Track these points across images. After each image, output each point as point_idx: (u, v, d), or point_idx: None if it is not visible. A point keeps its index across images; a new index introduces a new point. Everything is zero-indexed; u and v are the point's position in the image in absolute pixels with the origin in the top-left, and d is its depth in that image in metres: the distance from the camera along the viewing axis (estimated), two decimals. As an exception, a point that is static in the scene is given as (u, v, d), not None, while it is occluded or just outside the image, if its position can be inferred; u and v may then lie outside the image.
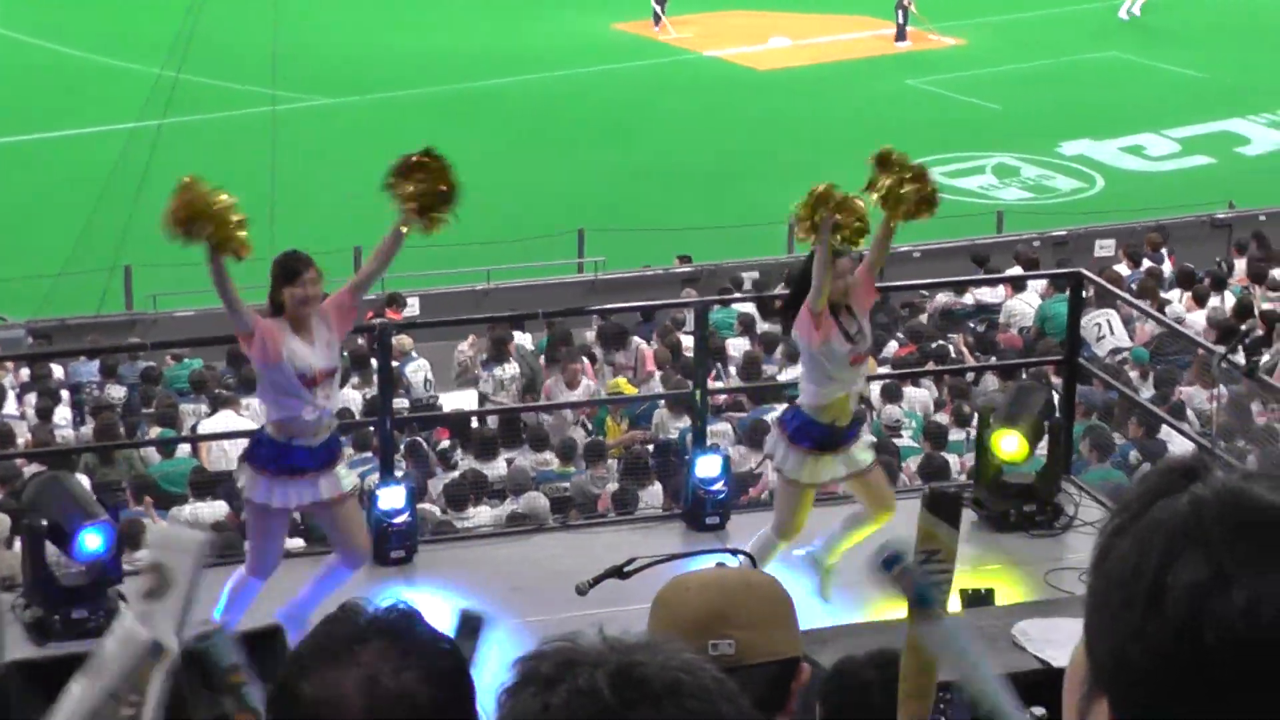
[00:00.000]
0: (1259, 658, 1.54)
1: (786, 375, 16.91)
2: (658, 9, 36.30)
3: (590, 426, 16.31)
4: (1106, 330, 17.69)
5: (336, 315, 8.96)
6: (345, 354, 16.60)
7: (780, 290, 20.40)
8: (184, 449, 15.29)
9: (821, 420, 9.37)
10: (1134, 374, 16.14)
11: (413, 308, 20.34)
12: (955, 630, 2.98)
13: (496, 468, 14.55)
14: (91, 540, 9.43)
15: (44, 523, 9.45)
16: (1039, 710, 5.11)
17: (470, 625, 2.72)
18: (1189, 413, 14.50)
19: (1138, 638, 1.59)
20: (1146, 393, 15.14)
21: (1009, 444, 10.82)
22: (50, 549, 9.63)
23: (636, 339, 18.01)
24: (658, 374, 16.90)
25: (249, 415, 16.31)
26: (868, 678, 4.76)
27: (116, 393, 17.22)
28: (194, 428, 15.87)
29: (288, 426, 8.81)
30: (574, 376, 16.28)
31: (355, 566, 9.20)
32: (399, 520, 10.55)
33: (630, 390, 16.68)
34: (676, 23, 36.40)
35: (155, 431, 15.57)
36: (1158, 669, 1.58)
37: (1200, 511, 1.61)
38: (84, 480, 13.12)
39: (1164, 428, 13.64)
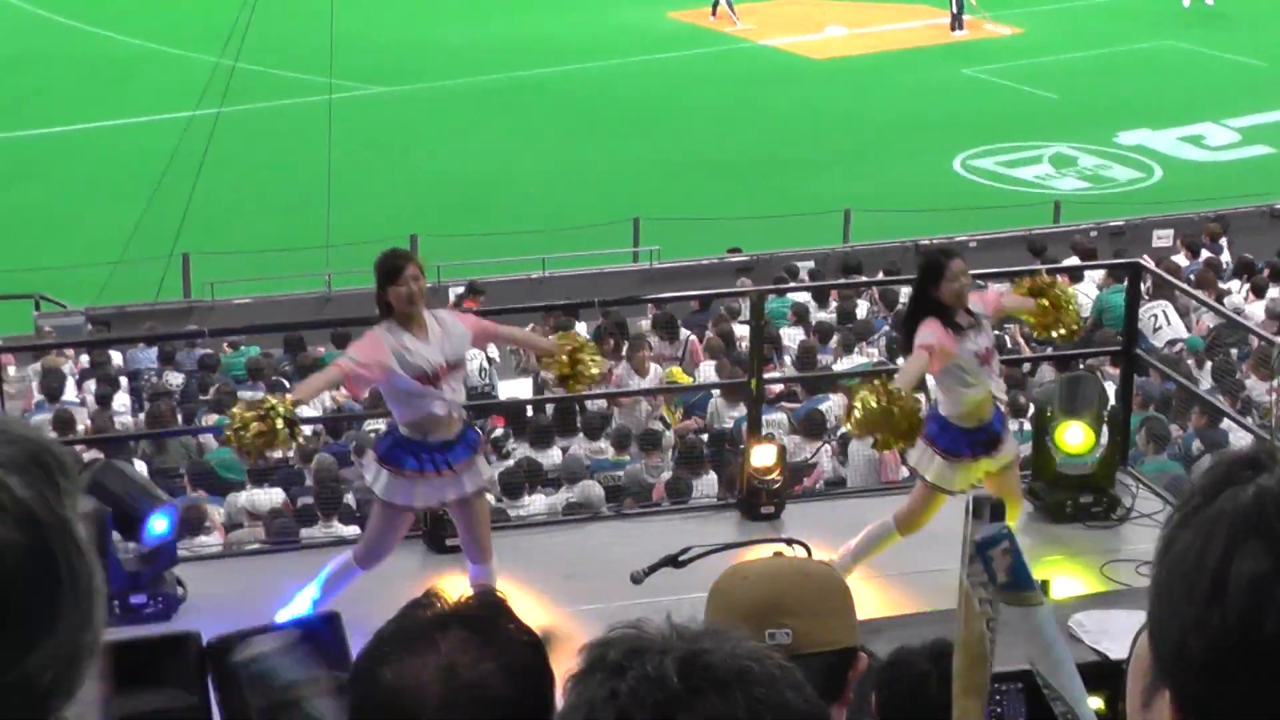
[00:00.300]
0: None
1: (842, 365, 16.89)
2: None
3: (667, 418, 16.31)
4: (1163, 321, 17.59)
5: (476, 327, 9.04)
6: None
7: (838, 280, 20.39)
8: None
9: (967, 425, 9.34)
10: (1191, 363, 16.04)
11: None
12: (1047, 619, 2.96)
13: (551, 456, 14.56)
14: (159, 524, 9.49)
15: (107, 508, 9.51)
16: (1095, 702, 5.09)
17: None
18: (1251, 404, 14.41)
19: (1199, 628, 1.59)
20: (1204, 383, 15.05)
21: (1073, 436, 10.76)
22: (114, 534, 9.68)
23: (685, 330, 18.00)
24: (709, 364, 16.88)
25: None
26: (924, 669, 4.76)
27: (174, 379, 17.32)
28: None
29: (421, 424, 8.83)
30: (642, 364, 16.29)
31: (477, 562, 9.23)
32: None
33: (685, 380, 16.67)
34: (729, 14, 36.32)
35: (213, 419, 15.64)
36: (1218, 659, 1.58)
37: (1264, 502, 1.60)
38: (141, 467, 13.22)
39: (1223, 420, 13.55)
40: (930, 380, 9.78)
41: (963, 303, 9.20)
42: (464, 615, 2.44)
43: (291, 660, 3.02)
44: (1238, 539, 1.59)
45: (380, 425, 15.54)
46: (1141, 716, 1.72)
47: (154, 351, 17.91)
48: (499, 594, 2.51)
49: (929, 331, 9.09)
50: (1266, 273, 19.12)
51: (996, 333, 10.63)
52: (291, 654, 3.04)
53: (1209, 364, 15.96)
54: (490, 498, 12.23)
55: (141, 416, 16.05)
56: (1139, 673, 1.73)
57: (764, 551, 4.16)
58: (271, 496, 13.50)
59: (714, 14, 36.11)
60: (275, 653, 3.05)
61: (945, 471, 9.37)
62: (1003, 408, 9.61)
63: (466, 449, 8.89)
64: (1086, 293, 19.14)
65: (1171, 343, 17.17)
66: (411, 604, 2.49)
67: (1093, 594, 9.17)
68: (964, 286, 9.22)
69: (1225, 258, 20.53)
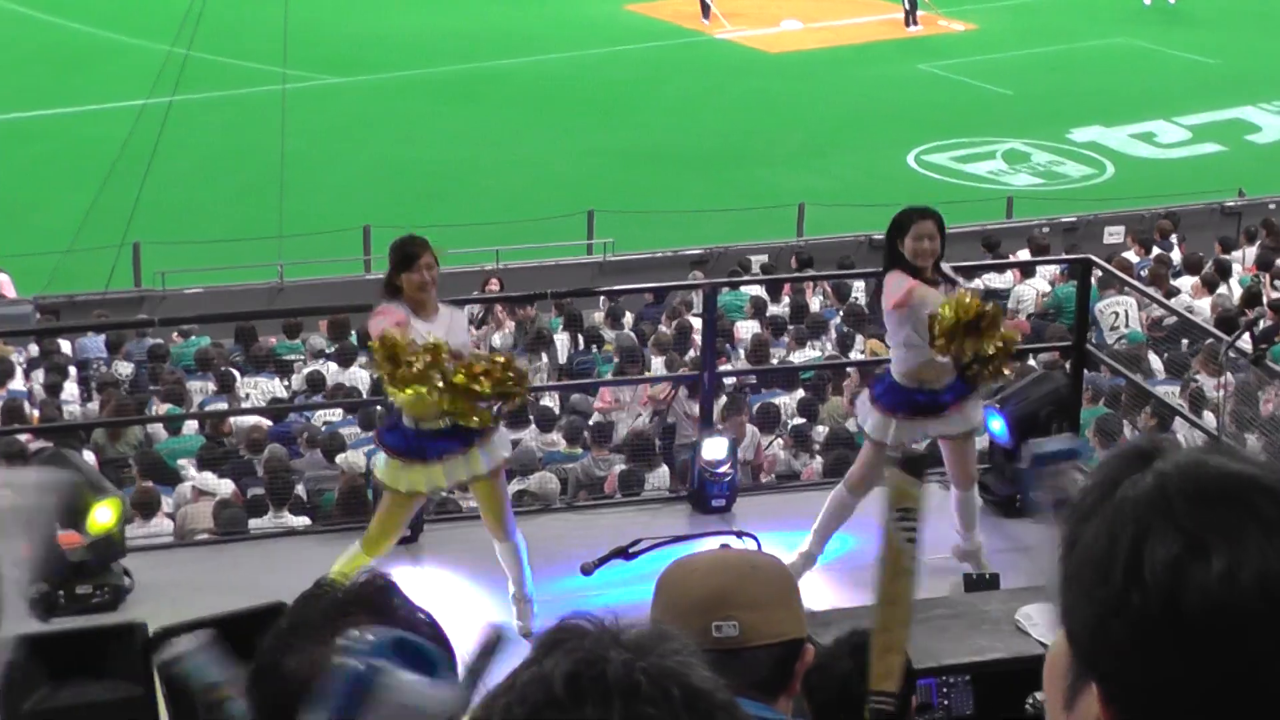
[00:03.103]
0: (1237, 623, 1.57)
1: (795, 358, 16.91)
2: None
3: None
4: (1123, 320, 17.65)
5: (458, 326, 9.05)
6: (354, 332, 16.67)
7: (791, 274, 20.41)
8: (191, 426, 15.30)
9: (908, 384, 9.47)
10: (1151, 355, 16.10)
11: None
12: None
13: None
14: (102, 515, 9.44)
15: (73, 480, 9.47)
16: (1041, 695, 5.11)
17: (489, 645, 2.72)
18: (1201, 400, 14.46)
19: (1118, 611, 1.61)
20: (1155, 379, 15.11)
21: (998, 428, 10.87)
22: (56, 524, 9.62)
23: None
24: (661, 359, 16.88)
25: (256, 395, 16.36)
26: (844, 669, 4.79)
27: (124, 369, 17.24)
28: (201, 405, 15.90)
29: (413, 410, 8.88)
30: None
31: (498, 539, 9.37)
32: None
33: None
34: (691, 3, 36.29)
35: (163, 408, 15.58)
36: (1141, 640, 1.60)
37: (1165, 486, 1.64)
38: (90, 456, 13.15)
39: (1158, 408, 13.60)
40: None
41: (925, 261, 9.28)
42: (362, 598, 2.44)
43: (210, 660, 3.01)
44: (1145, 523, 1.63)
45: (334, 414, 15.55)
46: (1064, 718, 1.73)
47: (103, 340, 17.82)
48: (387, 574, 2.51)
49: (899, 278, 9.25)
50: (1212, 268, 19.22)
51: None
52: (210, 654, 3.03)
53: (1155, 358, 16.02)
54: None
55: (92, 406, 15.97)
56: (1057, 675, 1.75)
57: (713, 544, 4.17)
58: (220, 484, 13.45)
59: (706, 17, 35.85)
60: (194, 652, 3.03)
61: (879, 424, 9.52)
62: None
63: (461, 441, 8.92)
64: (1038, 288, 19.22)
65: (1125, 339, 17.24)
66: (305, 594, 2.49)
67: (1041, 587, 9.19)
68: (928, 249, 9.29)
69: (1176, 254, 20.62)
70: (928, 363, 9.39)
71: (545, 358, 16.96)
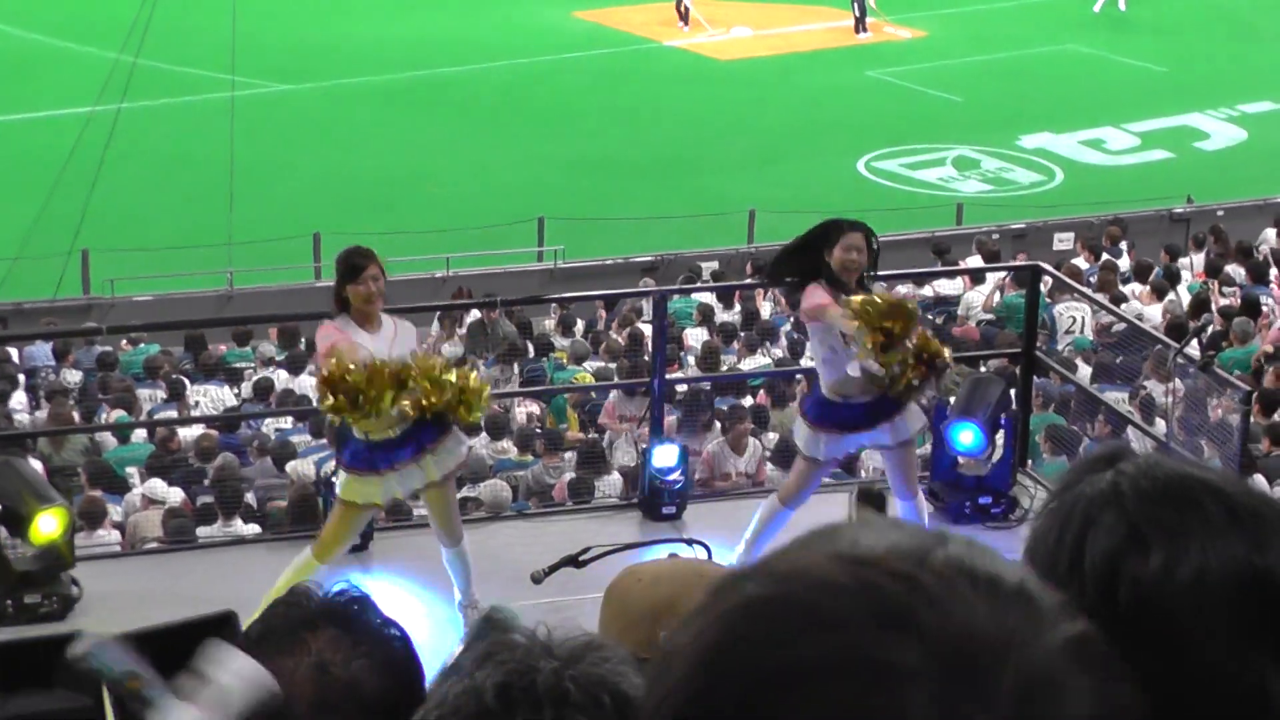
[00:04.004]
0: (1168, 617, 1.59)
1: (745, 365, 16.92)
2: (687, 5, 35.87)
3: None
4: (1078, 326, 17.72)
5: (404, 336, 9.04)
6: (304, 340, 16.62)
7: (742, 281, 20.42)
8: (140, 434, 15.22)
9: (833, 398, 9.49)
10: (1080, 361, 16.16)
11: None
12: None
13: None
14: (46, 524, 9.37)
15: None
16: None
17: (499, 625, 2.70)
18: (1151, 406, 14.52)
19: None
20: (1104, 386, 15.16)
21: (966, 437, 10.84)
22: (2, 532, 9.57)
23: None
24: (612, 365, 16.87)
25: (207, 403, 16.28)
26: None
27: (73, 377, 17.14)
28: (151, 413, 15.82)
29: (362, 424, 8.88)
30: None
31: (444, 546, 9.35)
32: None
33: (589, 381, 16.64)
34: (640, 11, 36.27)
35: (113, 416, 15.50)
36: None
37: (1120, 483, 1.68)
38: (37, 465, 13.06)
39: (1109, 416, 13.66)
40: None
41: (850, 275, 9.30)
42: (333, 612, 2.42)
43: (116, 653, 3.02)
44: (1093, 517, 1.66)
45: (284, 422, 15.50)
46: None
47: (51, 348, 17.71)
48: (361, 589, 2.49)
49: (815, 293, 9.26)
50: (1158, 274, 19.31)
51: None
52: (114, 647, 3.03)
53: (1084, 365, 16.08)
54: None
55: (41, 414, 15.87)
56: None
57: (662, 552, 4.16)
58: (169, 492, 13.37)
59: (685, 23, 35.72)
60: (99, 647, 3.03)
61: (809, 439, 9.54)
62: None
63: (413, 449, 8.91)
64: (983, 292, 19.29)
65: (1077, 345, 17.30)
66: (277, 603, 2.47)
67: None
68: (855, 262, 9.31)
69: (1125, 261, 20.71)
70: (846, 378, 9.41)
71: (516, 369, 16.90)
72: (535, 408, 16.48)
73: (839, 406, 9.50)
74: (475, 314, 18.36)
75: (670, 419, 13.54)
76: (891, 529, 1.14)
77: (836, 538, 1.15)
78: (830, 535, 1.16)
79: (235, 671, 3.00)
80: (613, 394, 15.59)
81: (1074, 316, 17.71)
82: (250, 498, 13.14)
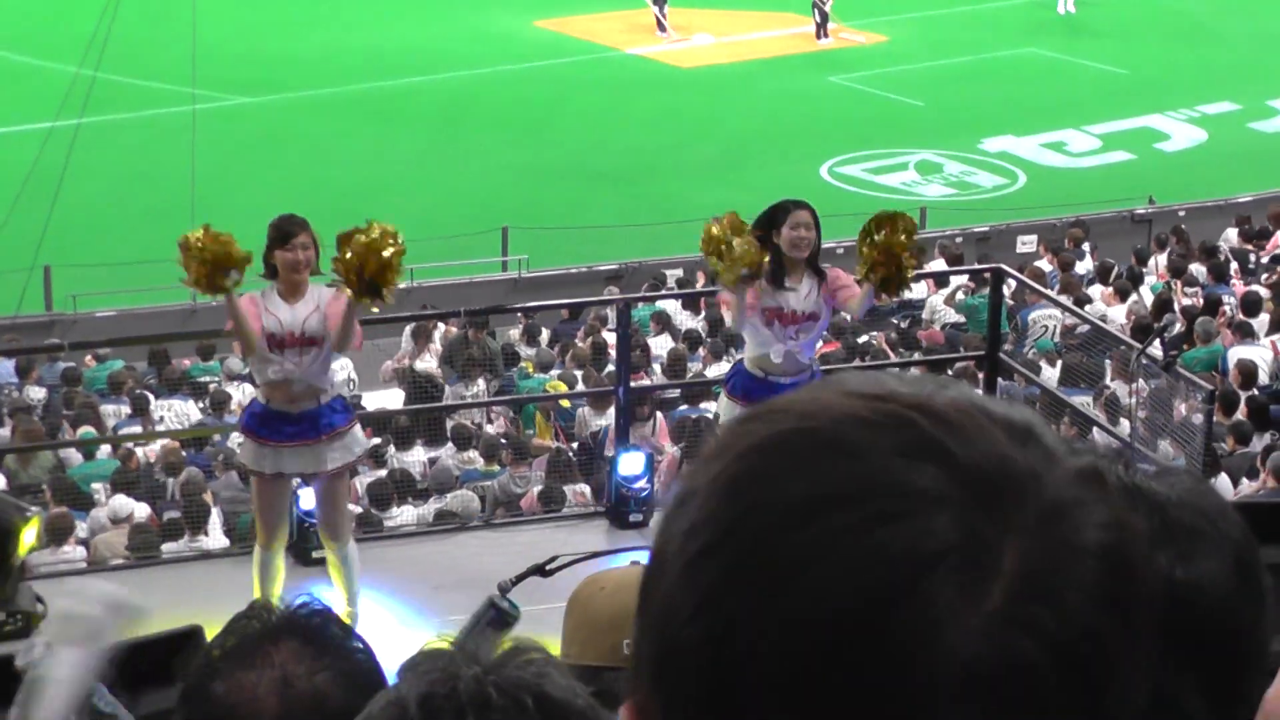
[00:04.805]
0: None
1: (711, 371, 16.92)
2: (658, 14, 35.85)
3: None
4: (1051, 331, 17.76)
5: (333, 308, 8.97)
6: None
7: (704, 289, 20.42)
8: (105, 450, 15.16)
9: (755, 372, 9.47)
10: (1043, 363, 16.22)
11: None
12: None
13: (415, 454, 14.58)
14: (28, 537, 9.33)
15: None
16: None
17: (502, 619, 2.71)
18: (1115, 406, 14.57)
19: None
20: (1069, 389, 15.21)
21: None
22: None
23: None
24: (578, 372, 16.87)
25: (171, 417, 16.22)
26: None
27: (36, 394, 17.06)
28: (115, 429, 15.75)
29: (266, 388, 9.02)
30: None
31: (330, 539, 9.30)
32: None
33: (562, 389, 16.63)
34: (602, 19, 36.28)
35: (77, 433, 15.43)
36: None
37: None
38: (1, 482, 13.02)
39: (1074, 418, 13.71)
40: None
41: (800, 252, 9.31)
42: (294, 625, 2.40)
43: (65, 662, 3.03)
44: None
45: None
46: None
47: (13, 365, 17.63)
48: (322, 602, 2.49)
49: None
50: (1121, 274, 19.37)
51: (863, 339, 10.68)
52: (63, 655, 3.05)
53: (1047, 366, 16.15)
54: (355, 508, 12.15)
55: (3, 432, 15.79)
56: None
57: (624, 560, 4.15)
58: (135, 507, 13.32)
59: (664, 30, 35.70)
60: (48, 656, 3.04)
61: (731, 411, 9.54)
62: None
63: (313, 430, 8.90)
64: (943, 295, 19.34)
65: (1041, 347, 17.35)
66: (239, 616, 2.46)
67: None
68: (804, 239, 9.33)
69: (1088, 262, 20.77)
70: (766, 355, 9.42)
71: (482, 383, 16.87)
72: (502, 423, 16.48)
73: (761, 383, 9.44)
74: (454, 330, 18.29)
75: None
76: (890, 377, 1.17)
77: (843, 382, 1.17)
78: (837, 381, 1.17)
79: (96, 598, 3.01)
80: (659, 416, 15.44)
81: (1046, 325, 17.75)
82: (216, 512, 13.10)
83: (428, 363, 17.68)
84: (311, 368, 8.99)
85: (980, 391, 1.08)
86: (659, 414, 15.02)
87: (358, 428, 9.26)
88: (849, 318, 15.39)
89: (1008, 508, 1.08)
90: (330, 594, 9.75)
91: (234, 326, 8.85)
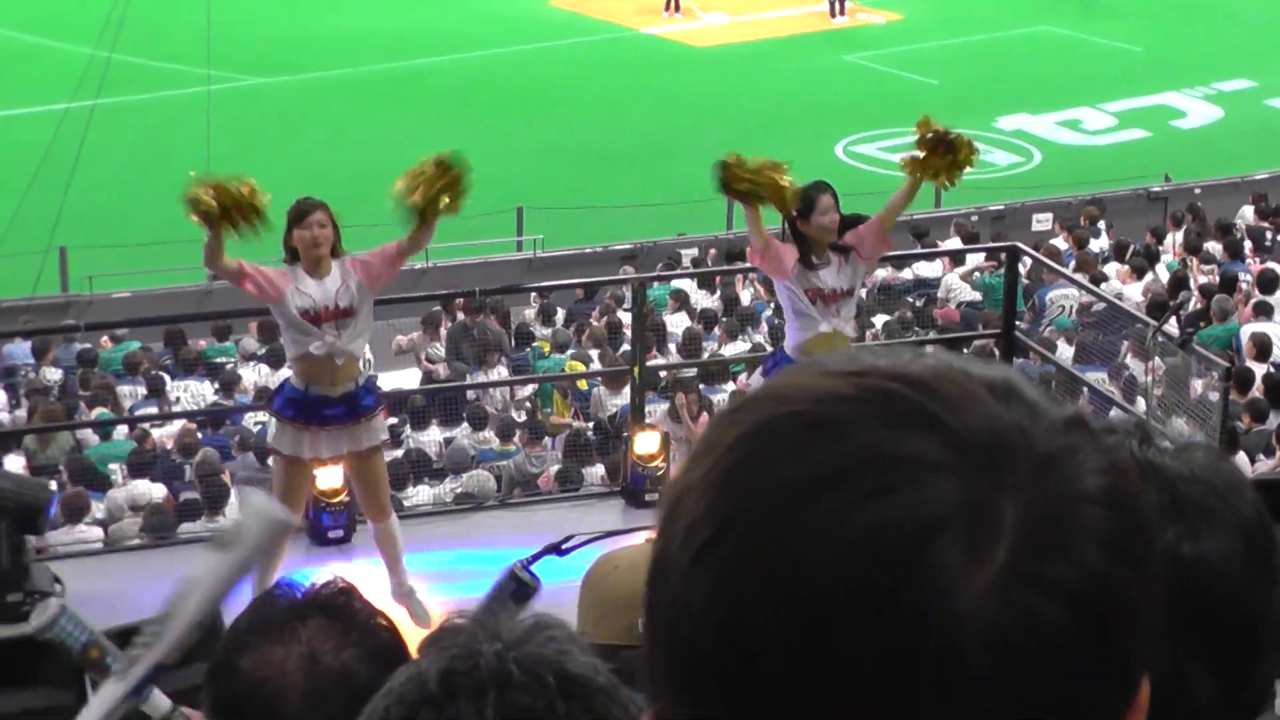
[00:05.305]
0: None
1: (727, 351, 16.92)
2: None
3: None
4: (1069, 310, 17.74)
5: (365, 269, 9.03)
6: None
7: (719, 267, 20.42)
8: (122, 430, 15.19)
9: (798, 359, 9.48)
10: (1061, 341, 16.20)
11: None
12: None
13: (431, 434, 14.62)
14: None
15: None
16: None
17: (523, 591, 2.73)
18: (1131, 385, 14.55)
19: None
20: (1085, 366, 15.19)
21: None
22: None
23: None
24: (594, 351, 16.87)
25: (187, 399, 16.25)
26: None
27: (53, 375, 17.10)
28: (131, 409, 15.78)
29: (303, 366, 8.99)
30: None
31: (371, 520, 9.36)
32: (335, 500, 10.52)
33: (580, 369, 16.64)
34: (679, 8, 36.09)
35: (93, 414, 15.46)
36: None
37: None
38: (20, 462, 13.05)
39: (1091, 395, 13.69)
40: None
41: (828, 237, 9.42)
42: (320, 602, 2.42)
43: (76, 623, 3.06)
44: None
45: (262, 417, 15.47)
46: None
47: (29, 346, 17.67)
48: (348, 580, 2.51)
49: (787, 251, 9.48)
50: (1136, 252, 19.34)
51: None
52: (77, 620, 3.08)
53: (1065, 345, 16.13)
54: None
55: (20, 413, 15.84)
56: None
57: (639, 539, 4.15)
58: (152, 491, 13.36)
59: (676, 10, 35.59)
60: (60, 617, 3.07)
61: None
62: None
63: (352, 412, 8.95)
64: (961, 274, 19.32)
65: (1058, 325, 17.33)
66: (265, 594, 2.48)
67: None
68: (834, 220, 9.45)
69: (1103, 240, 20.74)
70: (815, 337, 9.43)
71: (503, 369, 16.89)
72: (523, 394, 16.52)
73: None
74: (460, 316, 18.30)
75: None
76: (861, 353, 1.17)
77: (820, 363, 1.17)
78: (811, 363, 1.17)
79: (249, 509, 3.12)
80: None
81: (1063, 305, 17.73)
82: (234, 492, 13.11)
83: (437, 350, 17.69)
84: (352, 338, 9.06)
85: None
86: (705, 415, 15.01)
87: (380, 414, 9.33)
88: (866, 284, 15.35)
89: (1002, 466, 1.08)
90: (373, 572, 9.78)
91: (211, 243, 8.82)
